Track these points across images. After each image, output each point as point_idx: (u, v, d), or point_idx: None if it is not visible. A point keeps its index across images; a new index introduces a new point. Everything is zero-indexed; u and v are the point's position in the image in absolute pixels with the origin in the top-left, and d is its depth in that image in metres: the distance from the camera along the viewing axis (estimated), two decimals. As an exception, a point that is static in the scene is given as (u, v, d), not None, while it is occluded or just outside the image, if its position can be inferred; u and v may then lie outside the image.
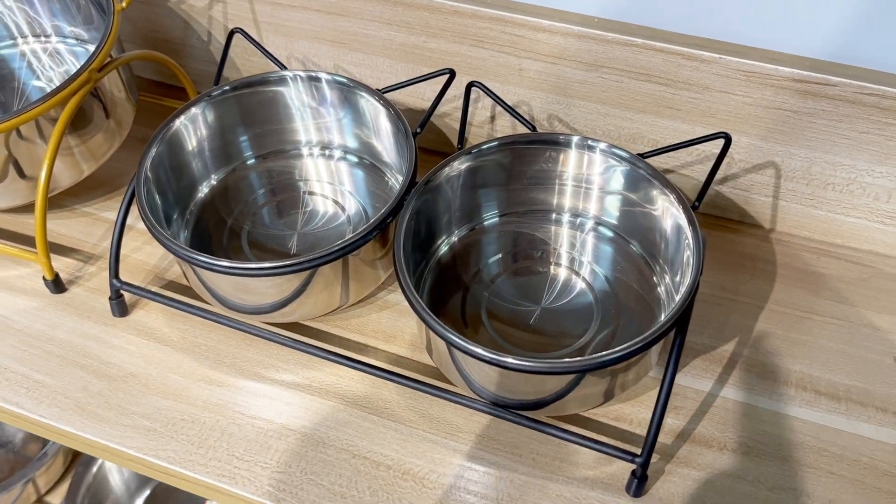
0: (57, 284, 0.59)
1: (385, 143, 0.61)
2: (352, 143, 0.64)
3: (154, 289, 0.59)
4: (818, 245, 0.63)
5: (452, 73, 0.57)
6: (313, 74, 0.60)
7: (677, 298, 0.44)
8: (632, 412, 0.52)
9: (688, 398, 0.53)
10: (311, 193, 0.62)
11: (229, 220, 0.60)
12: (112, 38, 0.56)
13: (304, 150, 0.65)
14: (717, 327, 0.57)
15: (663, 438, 0.50)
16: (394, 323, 0.57)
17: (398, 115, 0.56)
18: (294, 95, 0.61)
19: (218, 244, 0.59)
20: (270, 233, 0.60)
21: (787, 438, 0.50)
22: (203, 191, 0.62)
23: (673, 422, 0.51)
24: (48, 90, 0.67)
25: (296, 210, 0.61)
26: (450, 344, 0.43)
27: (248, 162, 0.64)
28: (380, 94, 0.57)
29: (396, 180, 0.61)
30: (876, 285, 0.60)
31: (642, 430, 0.51)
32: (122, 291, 0.57)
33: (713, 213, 0.66)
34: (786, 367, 0.55)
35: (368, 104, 0.59)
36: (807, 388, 0.53)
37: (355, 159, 0.64)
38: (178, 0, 0.72)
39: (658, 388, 0.46)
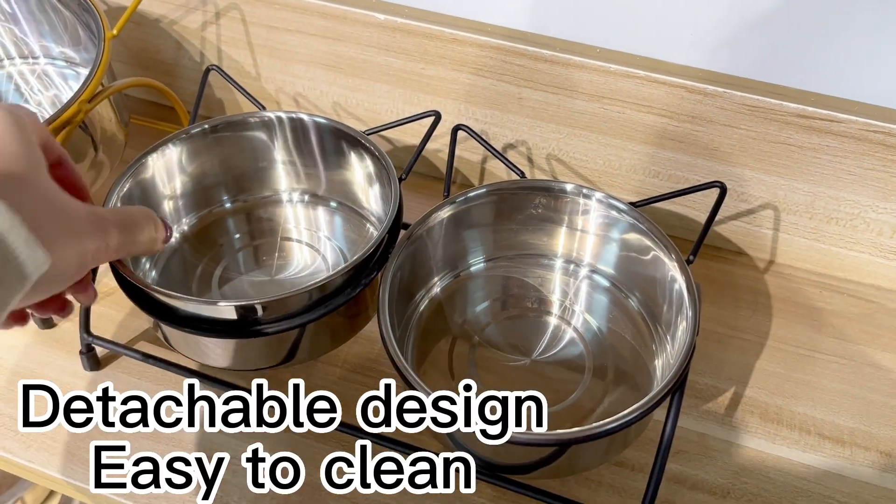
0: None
1: (368, 187, 0.58)
2: (333, 188, 0.61)
3: (126, 342, 0.57)
4: (820, 279, 0.63)
5: (438, 116, 0.56)
6: (294, 116, 0.57)
7: (674, 362, 0.43)
8: (633, 456, 0.51)
9: (690, 441, 0.52)
10: (287, 239, 0.60)
11: (200, 265, 0.57)
12: (102, 67, 0.55)
13: (284, 196, 0.61)
14: (716, 365, 0.56)
15: (664, 486, 0.49)
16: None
17: (382, 159, 0.53)
18: (274, 138, 0.58)
19: (186, 291, 0.56)
20: (244, 279, 0.57)
21: (792, 485, 0.49)
22: (174, 234, 0.58)
23: (674, 467, 0.50)
24: (41, 114, 0.65)
25: (271, 256, 0.58)
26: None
27: (225, 206, 0.61)
28: (364, 135, 0.54)
29: (378, 226, 0.58)
30: (879, 322, 0.59)
31: (643, 476, 0.50)
32: (92, 346, 0.55)
33: (713, 244, 0.65)
34: (789, 408, 0.54)
35: (352, 147, 0.56)
36: (810, 431, 0.53)
37: (335, 204, 0.61)
38: (170, 21, 0.70)
39: (658, 440, 0.45)
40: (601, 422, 0.40)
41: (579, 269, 0.56)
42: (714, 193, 0.51)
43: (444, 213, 0.52)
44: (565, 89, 0.60)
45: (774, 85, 0.56)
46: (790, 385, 0.55)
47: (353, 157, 0.57)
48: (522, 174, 0.53)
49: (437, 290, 0.55)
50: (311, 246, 0.59)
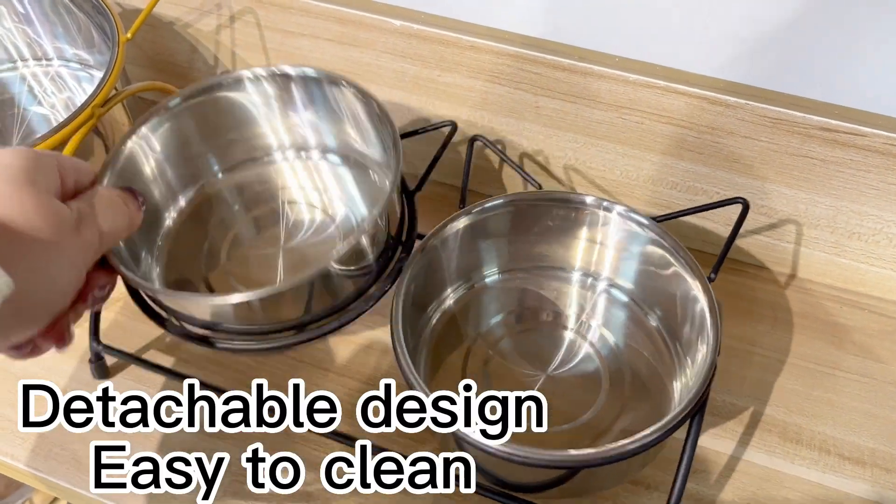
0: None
1: (366, 138, 0.55)
2: (330, 142, 0.58)
3: (137, 350, 0.57)
4: (841, 293, 0.61)
5: (454, 126, 0.55)
6: (276, 70, 0.54)
7: (694, 383, 0.42)
8: (650, 475, 0.50)
9: (708, 460, 0.51)
10: (291, 202, 0.57)
11: (205, 246, 0.55)
12: (116, 71, 0.54)
13: (277, 156, 0.59)
14: (736, 382, 0.55)
15: (682, 505, 0.48)
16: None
17: (381, 110, 0.50)
18: (257, 97, 0.56)
19: (198, 276, 0.53)
20: (253, 253, 0.55)
21: (811, 508, 0.49)
22: (171, 216, 0.55)
23: (693, 487, 0.49)
24: (50, 116, 0.65)
25: (276, 223, 0.56)
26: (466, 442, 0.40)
27: (217, 176, 0.58)
28: (358, 87, 0.52)
29: (382, 178, 0.56)
30: (901, 339, 0.58)
31: (659, 495, 0.49)
32: (101, 354, 0.54)
33: (732, 257, 0.64)
34: (808, 427, 0.53)
35: (344, 98, 0.54)
36: (830, 451, 0.51)
37: (334, 157, 0.58)
38: (184, 24, 0.70)
39: (678, 460, 0.44)
40: (618, 443, 0.39)
41: (597, 283, 0.55)
42: (736, 209, 0.50)
43: (460, 223, 0.51)
44: (583, 98, 0.59)
45: (797, 97, 0.55)
46: (810, 403, 0.54)
47: (345, 109, 0.55)
48: (539, 186, 0.52)
49: (450, 301, 0.55)
50: (315, 206, 0.57)
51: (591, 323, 0.54)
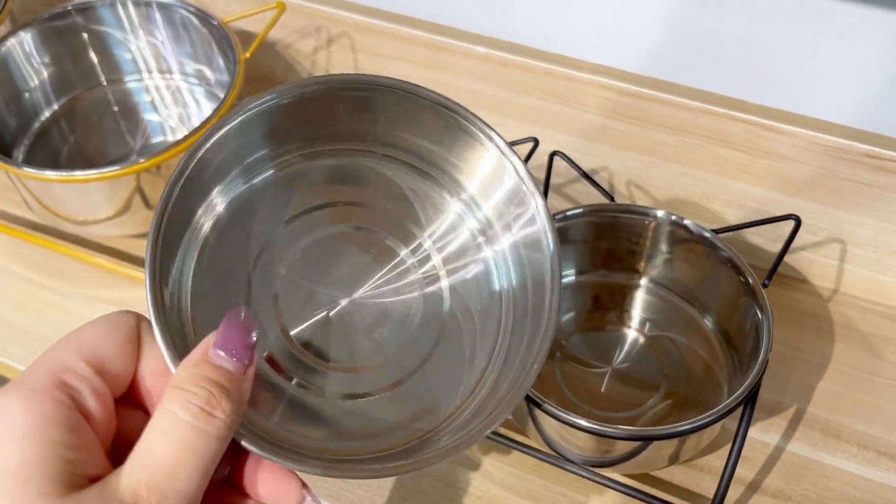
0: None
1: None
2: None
3: None
4: (883, 309, 0.66)
5: (536, 142, 0.61)
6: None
7: (748, 374, 0.48)
8: (700, 458, 0.56)
9: (755, 449, 0.56)
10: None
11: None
12: (238, 87, 0.62)
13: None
14: (781, 382, 0.61)
15: (731, 489, 0.54)
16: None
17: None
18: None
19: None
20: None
21: (850, 494, 0.54)
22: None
23: (741, 471, 0.55)
24: (165, 126, 0.73)
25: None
26: (548, 413, 0.47)
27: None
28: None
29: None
30: (936, 351, 0.63)
31: (710, 477, 0.55)
32: None
33: (778, 271, 0.69)
34: (848, 426, 0.58)
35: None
36: (868, 447, 0.57)
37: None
38: (285, 45, 0.77)
39: (729, 446, 0.49)
40: (687, 421, 0.45)
41: (659, 287, 0.61)
42: (786, 225, 0.56)
43: None
44: (648, 122, 0.65)
45: (846, 127, 0.60)
46: (850, 404, 0.59)
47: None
48: (612, 198, 0.58)
49: None
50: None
51: (652, 323, 0.60)
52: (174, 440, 0.26)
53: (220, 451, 0.27)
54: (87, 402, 0.27)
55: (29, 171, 0.59)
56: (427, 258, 0.42)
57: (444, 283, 0.42)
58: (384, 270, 0.41)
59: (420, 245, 0.43)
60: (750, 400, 0.49)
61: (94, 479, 0.25)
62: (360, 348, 0.39)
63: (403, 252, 0.42)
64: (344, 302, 0.40)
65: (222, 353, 0.28)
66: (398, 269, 0.41)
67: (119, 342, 0.29)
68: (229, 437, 0.27)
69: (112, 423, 0.28)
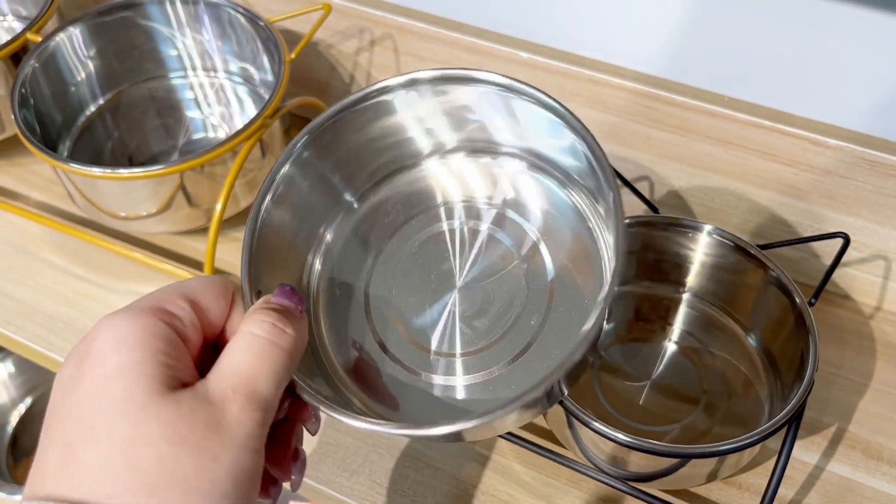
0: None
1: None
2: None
3: None
4: (925, 328, 0.66)
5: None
6: None
7: (791, 393, 0.48)
8: (740, 476, 0.55)
9: (795, 468, 0.56)
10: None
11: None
12: (283, 87, 0.62)
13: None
14: (821, 401, 0.60)
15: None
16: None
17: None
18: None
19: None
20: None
21: (890, 518, 0.53)
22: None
23: (781, 491, 0.54)
24: (208, 123, 0.74)
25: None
26: (588, 427, 0.47)
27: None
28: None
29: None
30: (981, 374, 0.62)
31: (749, 495, 0.54)
32: None
33: (821, 287, 0.69)
34: (890, 447, 0.57)
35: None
36: (910, 470, 0.56)
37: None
38: (328, 45, 0.78)
39: (773, 465, 0.49)
40: (726, 441, 0.45)
41: (702, 302, 0.60)
42: (832, 242, 0.55)
43: None
44: (693, 132, 0.65)
45: (893, 143, 0.59)
46: (892, 425, 0.59)
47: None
48: (656, 209, 0.58)
49: None
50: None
51: (696, 338, 0.59)
52: (252, 353, 0.32)
53: (290, 366, 0.33)
54: (183, 328, 0.32)
55: (74, 166, 0.60)
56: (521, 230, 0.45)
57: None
58: (483, 254, 0.45)
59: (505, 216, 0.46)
60: (794, 420, 0.48)
61: (186, 385, 0.30)
62: (475, 331, 0.43)
63: (499, 234, 0.45)
64: (452, 292, 0.44)
65: (282, 298, 0.35)
66: (497, 251, 0.45)
67: (215, 295, 0.34)
68: (296, 354, 0.33)
69: (200, 354, 0.33)
